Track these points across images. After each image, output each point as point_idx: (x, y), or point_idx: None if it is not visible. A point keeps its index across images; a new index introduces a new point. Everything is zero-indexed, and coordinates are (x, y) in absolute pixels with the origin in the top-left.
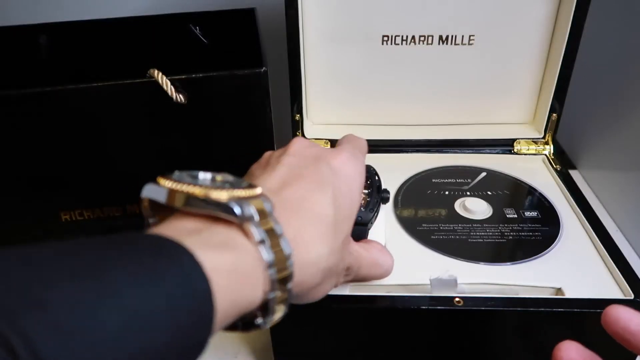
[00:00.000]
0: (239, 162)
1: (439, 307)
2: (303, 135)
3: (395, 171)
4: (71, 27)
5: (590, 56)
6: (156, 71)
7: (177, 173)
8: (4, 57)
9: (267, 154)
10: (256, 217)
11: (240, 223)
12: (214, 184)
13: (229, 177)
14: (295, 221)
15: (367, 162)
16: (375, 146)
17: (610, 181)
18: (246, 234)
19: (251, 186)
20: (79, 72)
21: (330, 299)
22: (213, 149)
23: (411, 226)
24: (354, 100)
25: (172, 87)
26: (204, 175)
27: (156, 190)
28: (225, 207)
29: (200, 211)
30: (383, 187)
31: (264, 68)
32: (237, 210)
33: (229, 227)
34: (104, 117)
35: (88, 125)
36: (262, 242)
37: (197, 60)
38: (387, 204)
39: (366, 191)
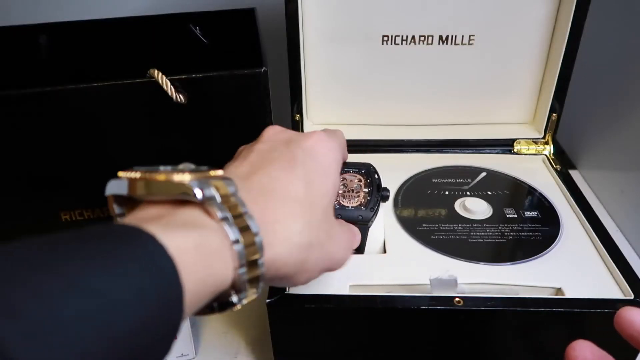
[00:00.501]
0: None
1: (439, 307)
2: None
3: (395, 171)
4: (71, 27)
5: (590, 56)
6: (156, 71)
7: (136, 167)
8: (4, 57)
9: (241, 147)
10: (218, 197)
11: (201, 203)
12: (175, 169)
13: (191, 165)
14: (264, 202)
15: (367, 161)
16: (375, 146)
17: (610, 181)
18: (208, 213)
19: (213, 170)
20: (79, 72)
21: (330, 299)
22: (213, 149)
23: (411, 226)
24: (354, 100)
25: (172, 87)
26: (165, 167)
27: (117, 184)
28: (186, 188)
29: (162, 197)
30: (383, 185)
31: (264, 68)
32: (197, 191)
33: (192, 208)
34: (104, 117)
35: (88, 125)
36: (225, 219)
37: (197, 60)
38: (387, 203)
39: (366, 190)
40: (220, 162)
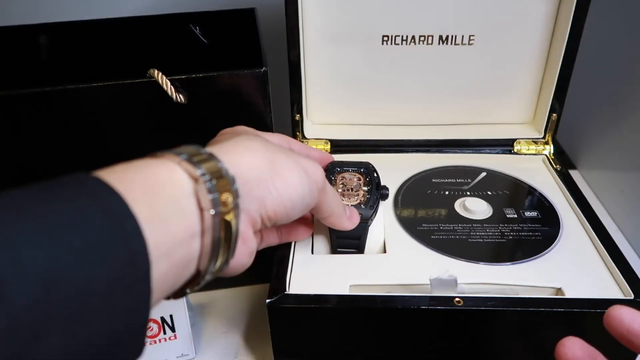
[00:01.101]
0: None
1: (439, 307)
2: (303, 135)
3: (395, 171)
4: (71, 27)
5: (590, 56)
6: (156, 71)
7: None
8: (4, 57)
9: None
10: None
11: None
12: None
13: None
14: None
15: (367, 161)
16: (375, 146)
17: (610, 181)
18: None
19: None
20: (79, 72)
21: (330, 299)
22: None
23: (411, 226)
24: (354, 100)
25: (172, 87)
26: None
27: None
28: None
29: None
30: (382, 183)
31: (264, 68)
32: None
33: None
34: (104, 117)
35: (88, 125)
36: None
37: (197, 60)
38: (387, 203)
39: (365, 188)
40: None
